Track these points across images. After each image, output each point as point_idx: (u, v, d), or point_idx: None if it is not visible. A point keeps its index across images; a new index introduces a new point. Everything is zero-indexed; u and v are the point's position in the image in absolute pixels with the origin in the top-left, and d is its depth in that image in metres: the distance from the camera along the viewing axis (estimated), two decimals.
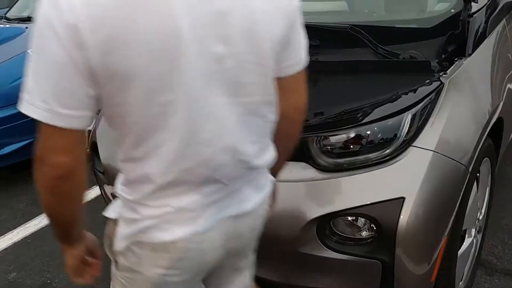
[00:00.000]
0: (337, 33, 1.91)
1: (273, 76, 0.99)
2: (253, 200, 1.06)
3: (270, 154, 1.08)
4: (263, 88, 0.97)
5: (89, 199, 2.92)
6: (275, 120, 1.04)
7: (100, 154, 2.18)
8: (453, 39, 1.82)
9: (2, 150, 3.20)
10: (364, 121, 1.55)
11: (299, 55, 1.06)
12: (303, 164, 1.61)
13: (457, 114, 1.64)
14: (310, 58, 1.91)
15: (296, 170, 1.61)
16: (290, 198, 1.57)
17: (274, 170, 1.17)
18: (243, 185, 1.03)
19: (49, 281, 2.40)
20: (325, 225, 1.53)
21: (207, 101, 0.88)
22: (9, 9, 4.94)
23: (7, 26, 4.42)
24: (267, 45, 0.92)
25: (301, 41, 1.05)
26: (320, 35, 1.96)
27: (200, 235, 0.98)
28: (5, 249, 2.70)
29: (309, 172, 1.59)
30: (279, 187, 1.28)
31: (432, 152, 1.52)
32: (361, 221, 1.53)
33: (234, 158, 0.96)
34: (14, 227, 2.91)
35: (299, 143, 1.57)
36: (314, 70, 1.90)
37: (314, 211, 1.51)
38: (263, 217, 1.15)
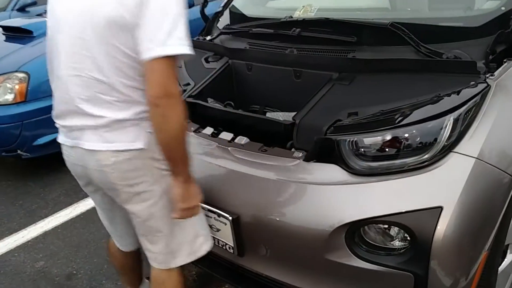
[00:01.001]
0: (376, 29, 1.81)
1: (109, 46, 1.27)
2: (93, 145, 1.39)
3: (108, 114, 1.34)
4: (98, 50, 1.29)
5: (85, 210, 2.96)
6: (112, 84, 1.32)
7: None
8: (502, 39, 1.69)
9: (37, 140, 3.26)
10: (402, 123, 1.45)
11: (146, 44, 1.24)
12: (334, 166, 1.52)
13: (504, 120, 1.51)
14: (347, 55, 1.87)
15: (326, 172, 1.53)
16: (319, 202, 1.49)
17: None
18: (86, 129, 1.39)
19: (75, 272, 2.42)
20: (355, 232, 1.44)
21: (59, 42, 1.36)
22: None
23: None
24: (100, 19, 1.26)
25: (150, 32, 1.23)
26: (357, 31, 1.87)
27: (68, 148, 1.49)
28: (36, 238, 2.75)
29: (340, 175, 1.50)
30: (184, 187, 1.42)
31: (474, 159, 1.41)
32: (393, 230, 1.44)
33: (69, 95, 1.37)
34: (46, 216, 2.96)
35: (330, 144, 1.51)
36: (351, 68, 1.84)
37: (344, 217, 1.42)
38: (113, 171, 1.40)
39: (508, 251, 1.75)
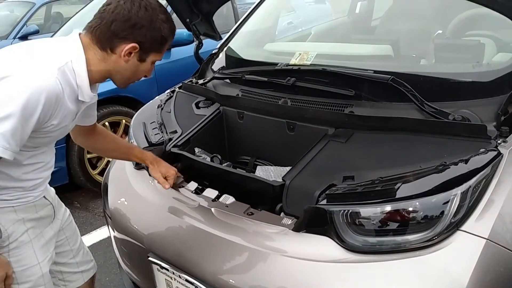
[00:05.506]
0: (376, 84, 1.67)
1: None
2: None
3: None
4: None
5: (101, 238, 2.77)
6: None
7: (109, 198, 2.01)
8: None
9: None
10: (403, 195, 1.29)
11: None
12: (326, 239, 1.36)
13: None
14: (344, 110, 1.72)
15: (317, 246, 1.36)
16: (309, 281, 1.32)
17: None
18: None
19: None
20: None
21: None
22: (55, 33, 5.02)
23: None
24: None
25: None
26: (356, 84, 1.73)
27: None
28: None
29: (332, 250, 1.33)
30: None
31: (485, 240, 1.24)
32: None
33: None
34: None
35: (322, 214, 1.34)
36: (348, 124, 1.70)
37: None
38: None
39: None
